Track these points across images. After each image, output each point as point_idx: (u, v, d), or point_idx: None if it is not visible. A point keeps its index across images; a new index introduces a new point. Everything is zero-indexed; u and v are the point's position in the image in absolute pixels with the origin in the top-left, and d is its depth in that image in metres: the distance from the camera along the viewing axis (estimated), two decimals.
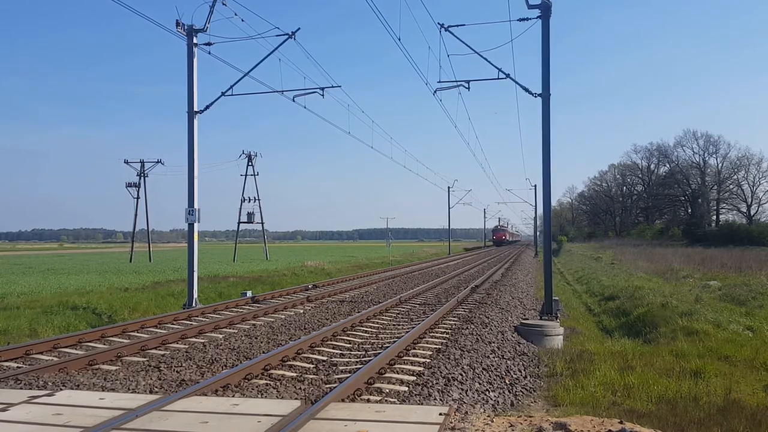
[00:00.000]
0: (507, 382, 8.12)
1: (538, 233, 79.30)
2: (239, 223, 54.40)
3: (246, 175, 53.34)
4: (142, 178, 51.65)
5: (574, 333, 13.70)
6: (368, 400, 6.59)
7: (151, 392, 7.00)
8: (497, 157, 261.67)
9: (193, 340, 10.90)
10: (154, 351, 9.83)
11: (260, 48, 60.31)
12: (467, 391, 7.19)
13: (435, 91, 16.24)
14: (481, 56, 14.25)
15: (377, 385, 7.29)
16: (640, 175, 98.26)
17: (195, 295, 15.97)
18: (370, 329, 11.89)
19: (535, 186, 61.39)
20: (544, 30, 13.09)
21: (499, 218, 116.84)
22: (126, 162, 51.54)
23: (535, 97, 13.47)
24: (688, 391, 7.80)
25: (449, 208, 67.54)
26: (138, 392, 6.97)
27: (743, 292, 17.58)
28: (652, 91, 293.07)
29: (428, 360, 8.71)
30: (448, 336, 10.80)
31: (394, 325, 12.42)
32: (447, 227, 72.07)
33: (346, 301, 16.87)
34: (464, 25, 14.46)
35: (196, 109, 16.13)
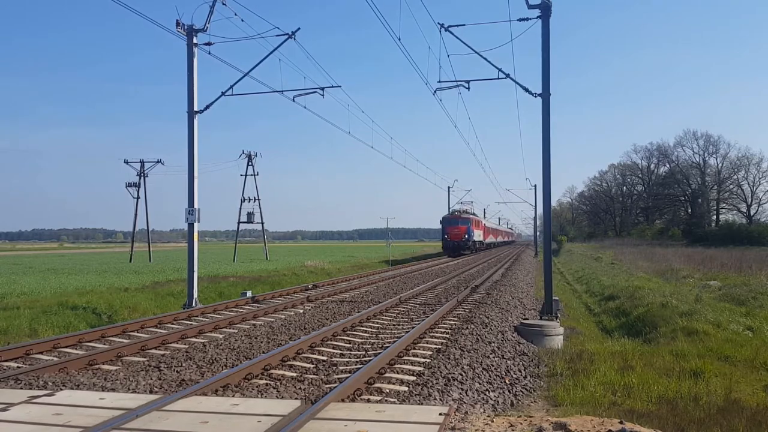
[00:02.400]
0: (507, 382, 8.12)
1: (538, 233, 79.29)
2: (239, 223, 54.40)
3: (246, 175, 53.35)
4: (142, 178, 51.65)
5: (574, 333, 13.70)
6: (368, 400, 6.59)
7: (151, 392, 7.00)
8: (497, 157, 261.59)
9: (193, 340, 10.90)
10: (154, 351, 9.83)
11: (260, 48, 60.32)
12: (467, 391, 7.19)
13: (435, 91, 16.22)
14: (481, 56, 14.25)
15: (377, 385, 7.29)
16: (640, 175, 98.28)
17: (195, 295, 15.97)
18: (370, 329, 11.88)
19: (535, 186, 61.20)
20: (544, 30, 13.09)
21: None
22: (126, 162, 51.52)
23: (535, 97, 13.47)
24: (688, 391, 7.80)
25: (449, 208, 67.51)
26: (138, 392, 6.97)
27: (743, 292, 17.58)
28: (652, 91, 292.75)
29: (428, 360, 8.71)
30: (448, 336, 10.79)
31: (394, 325, 12.42)
32: None
33: (346, 301, 16.87)
34: (464, 25, 14.47)
35: (196, 109, 16.13)
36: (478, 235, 56.44)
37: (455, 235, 50.74)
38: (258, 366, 8.06)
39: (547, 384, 8.44)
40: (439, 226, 52.49)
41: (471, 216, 54.41)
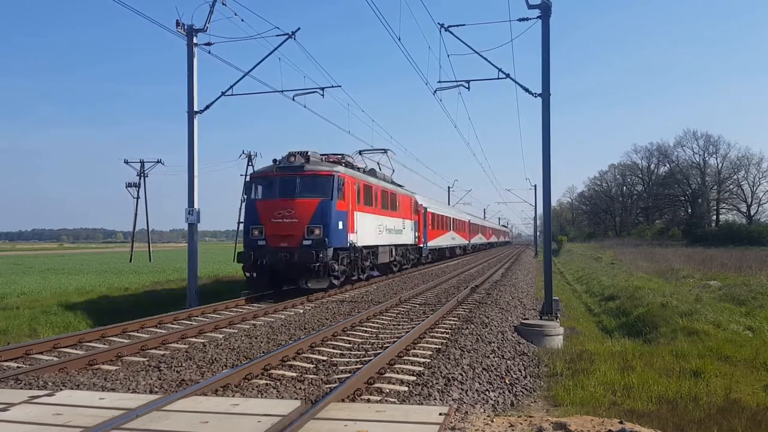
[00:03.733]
0: (507, 382, 8.12)
1: (538, 233, 79.27)
2: (239, 223, 54.31)
3: (246, 175, 53.41)
4: (142, 178, 51.76)
5: (574, 333, 13.70)
6: (368, 400, 6.59)
7: (151, 392, 7.00)
8: (497, 157, 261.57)
9: (193, 339, 10.90)
10: (154, 351, 9.83)
11: (260, 48, 60.36)
12: (467, 391, 7.19)
13: (435, 91, 16.18)
14: (481, 56, 14.23)
15: (377, 385, 7.29)
16: (640, 175, 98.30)
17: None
18: (370, 329, 11.88)
19: (535, 186, 61.03)
20: (544, 30, 13.08)
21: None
22: (126, 162, 51.67)
23: (535, 97, 13.46)
24: (688, 391, 7.80)
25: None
26: (138, 392, 6.97)
27: (743, 292, 17.58)
28: (652, 91, 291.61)
29: (428, 360, 8.71)
30: (448, 336, 10.79)
31: (394, 325, 12.41)
32: None
33: (346, 301, 16.86)
34: (464, 25, 14.46)
35: (196, 108, 16.14)
36: (383, 229, 21.96)
37: (279, 233, 16.56)
38: (258, 366, 8.06)
39: (547, 384, 8.44)
40: None
41: (344, 173, 17.65)
